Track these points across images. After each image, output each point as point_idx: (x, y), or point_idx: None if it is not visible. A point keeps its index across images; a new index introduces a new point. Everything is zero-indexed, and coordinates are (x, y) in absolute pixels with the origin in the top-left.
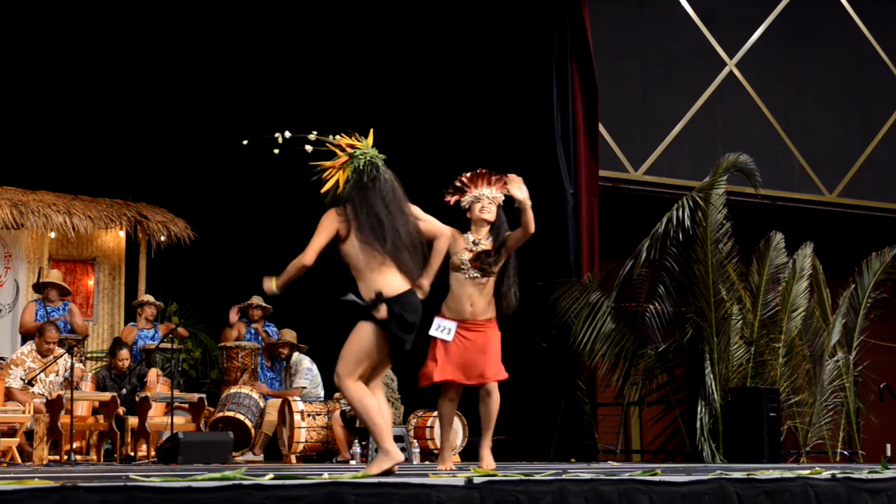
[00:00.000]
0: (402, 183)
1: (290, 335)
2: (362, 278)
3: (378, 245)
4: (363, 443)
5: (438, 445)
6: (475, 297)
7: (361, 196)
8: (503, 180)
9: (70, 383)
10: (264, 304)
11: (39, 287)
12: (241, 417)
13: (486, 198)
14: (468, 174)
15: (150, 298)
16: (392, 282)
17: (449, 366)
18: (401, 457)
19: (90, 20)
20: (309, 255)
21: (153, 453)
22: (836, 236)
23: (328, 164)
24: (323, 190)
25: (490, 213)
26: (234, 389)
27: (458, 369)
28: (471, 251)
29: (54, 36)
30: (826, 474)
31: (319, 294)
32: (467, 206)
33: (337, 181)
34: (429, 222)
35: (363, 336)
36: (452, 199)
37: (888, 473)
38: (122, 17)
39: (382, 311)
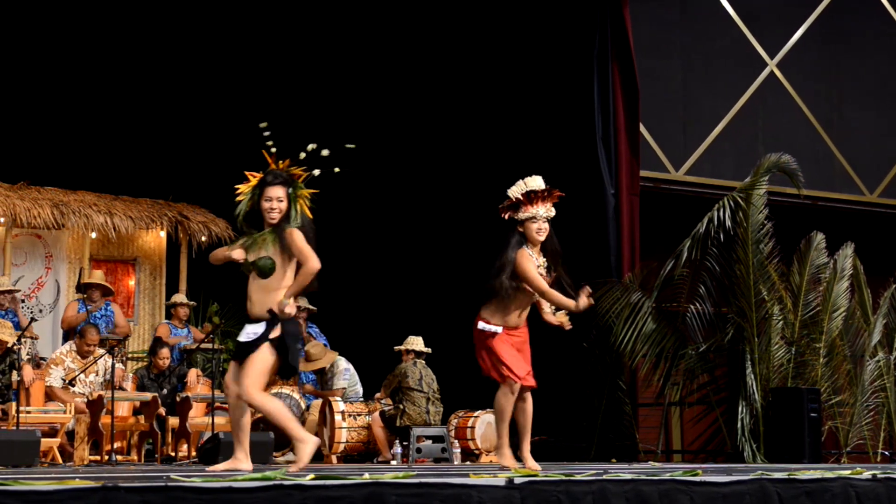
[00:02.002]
0: (448, 182)
1: (316, 360)
2: (273, 292)
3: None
4: (404, 443)
5: (496, 440)
6: (525, 308)
7: (309, 223)
8: (555, 195)
9: (111, 383)
10: (309, 306)
11: (82, 288)
12: None
13: (541, 218)
14: (523, 192)
15: (183, 299)
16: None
17: (526, 366)
18: (315, 439)
19: (132, 21)
20: (316, 259)
21: (194, 453)
22: (877, 236)
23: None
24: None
25: (545, 233)
26: (274, 390)
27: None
28: (544, 276)
29: (96, 38)
30: (867, 474)
31: (359, 296)
32: (521, 222)
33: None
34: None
35: (265, 357)
36: (507, 215)
37: None
38: (165, 16)
39: (289, 309)
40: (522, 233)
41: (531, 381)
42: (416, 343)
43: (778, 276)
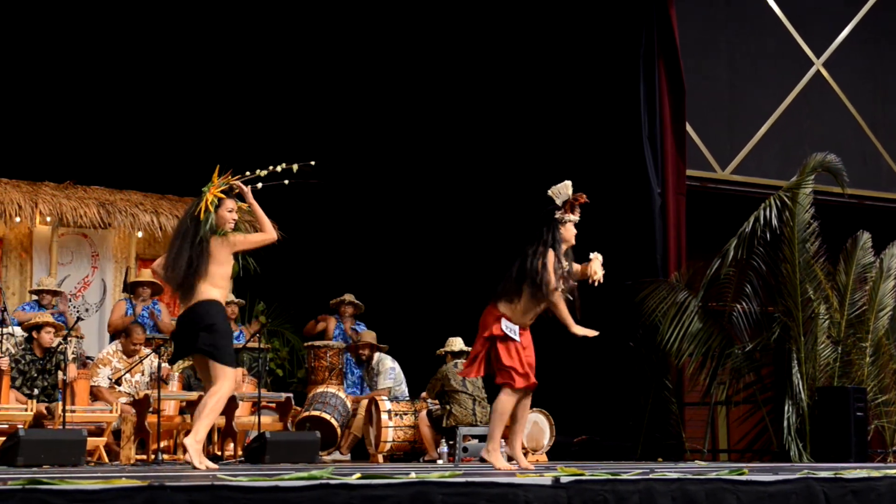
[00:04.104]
0: (496, 183)
1: (369, 336)
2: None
3: None
4: (450, 442)
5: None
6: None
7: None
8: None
9: (157, 383)
10: (356, 302)
11: (129, 287)
12: (328, 417)
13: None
14: (581, 196)
15: (231, 297)
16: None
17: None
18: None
19: (178, 21)
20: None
21: (240, 453)
22: None
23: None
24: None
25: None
26: (320, 389)
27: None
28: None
29: (141, 37)
30: None
31: (404, 294)
32: (563, 223)
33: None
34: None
35: None
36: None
37: None
38: (211, 17)
39: None
40: (561, 235)
41: (534, 380)
42: (454, 344)
43: (824, 275)
